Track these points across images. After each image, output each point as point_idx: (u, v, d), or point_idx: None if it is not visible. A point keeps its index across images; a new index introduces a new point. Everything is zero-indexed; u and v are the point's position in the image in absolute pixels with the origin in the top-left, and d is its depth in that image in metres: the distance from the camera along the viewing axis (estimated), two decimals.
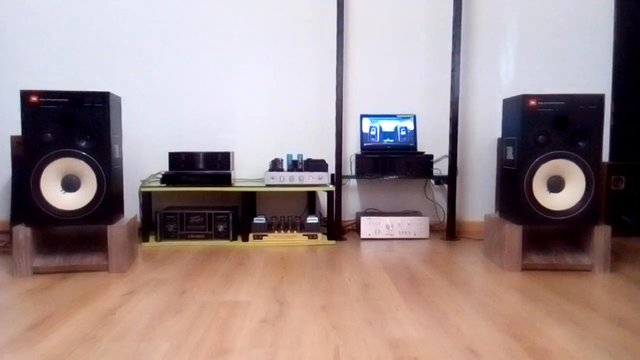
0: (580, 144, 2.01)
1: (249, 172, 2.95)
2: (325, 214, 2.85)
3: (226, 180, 2.58)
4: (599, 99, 2.00)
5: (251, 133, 2.94)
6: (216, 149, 2.91)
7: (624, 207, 2.72)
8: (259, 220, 2.61)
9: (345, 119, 2.93)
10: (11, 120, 2.82)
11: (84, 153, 1.96)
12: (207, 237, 2.60)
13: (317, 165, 2.63)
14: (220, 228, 2.60)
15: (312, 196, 2.90)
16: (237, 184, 2.64)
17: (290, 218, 2.75)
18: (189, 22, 2.88)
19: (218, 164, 2.66)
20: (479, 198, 3.00)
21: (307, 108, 2.94)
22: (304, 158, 2.69)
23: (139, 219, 2.62)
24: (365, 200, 3.00)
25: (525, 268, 2.08)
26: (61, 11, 2.82)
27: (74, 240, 2.12)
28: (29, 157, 1.92)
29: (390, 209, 3.00)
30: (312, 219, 2.62)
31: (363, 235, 2.72)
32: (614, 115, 2.91)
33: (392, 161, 2.70)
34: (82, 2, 2.83)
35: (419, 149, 2.89)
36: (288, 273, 2.02)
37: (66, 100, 1.94)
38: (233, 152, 2.80)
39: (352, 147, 2.96)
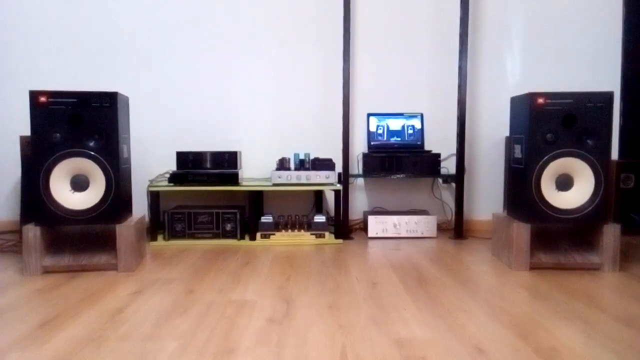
0: (589, 142, 1.99)
1: (256, 171, 2.96)
2: (332, 213, 2.85)
3: (234, 179, 2.59)
4: (608, 96, 1.99)
5: (258, 132, 2.94)
6: (223, 149, 2.92)
7: (633, 205, 2.70)
8: (266, 219, 2.62)
9: (352, 118, 2.93)
10: (20, 120, 2.85)
11: (92, 153, 1.97)
12: (215, 236, 2.60)
13: (324, 164, 2.63)
14: (228, 227, 2.60)
15: (319, 195, 2.90)
16: (244, 183, 2.64)
17: (297, 217, 2.75)
18: (195, 21, 2.89)
19: (225, 163, 2.66)
20: (486, 196, 2.98)
21: (314, 107, 2.94)
22: (311, 157, 2.69)
23: (147, 219, 2.64)
24: (373, 199, 3.00)
25: (534, 267, 2.07)
26: (67, 12, 2.84)
27: (83, 240, 2.13)
28: (38, 157, 1.94)
29: (398, 207, 2.99)
30: (320, 218, 2.62)
31: (370, 234, 2.72)
32: (623, 113, 2.89)
33: (399, 160, 2.70)
34: (88, 2, 2.85)
35: (426, 147, 2.89)
36: (295, 272, 2.03)
37: (74, 100, 1.96)
38: (240, 152, 2.80)
39: (359, 146, 2.96)
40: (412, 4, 2.91)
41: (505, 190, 2.88)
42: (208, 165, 2.66)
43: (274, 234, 2.60)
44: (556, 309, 1.58)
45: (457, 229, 2.75)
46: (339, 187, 2.62)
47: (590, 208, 2.00)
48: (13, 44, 2.84)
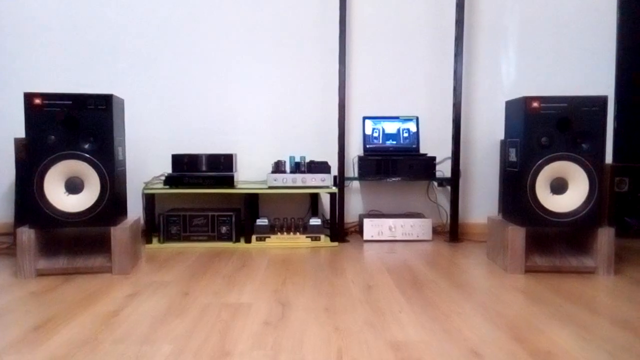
0: (583, 145, 2.00)
1: (251, 174, 2.95)
2: (328, 216, 2.85)
3: (229, 182, 2.58)
4: (602, 100, 2.00)
5: (254, 135, 2.94)
6: (219, 151, 2.91)
7: (628, 209, 2.71)
8: (262, 222, 2.61)
9: (348, 121, 2.93)
10: (15, 122, 2.84)
11: (87, 155, 1.97)
12: (210, 238, 2.60)
13: (319, 167, 2.63)
14: (223, 230, 2.60)
15: (314, 198, 2.90)
16: (240, 186, 2.64)
17: (292, 220, 2.75)
18: (192, 24, 2.88)
19: (221, 166, 2.66)
20: (481, 200, 2.99)
21: (310, 110, 2.94)
22: (307, 160, 2.69)
23: (142, 221, 2.63)
24: (368, 202, 3.00)
25: (529, 270, 2.07)
26: (64, 14, 2.83)
27: (78, 242, 2.12)
28: (32, 159, 1.93)
29: (393, 210, 3.00)
30: (315, 221, 2.62)
31: (366, 237, 2.72)
32: (617, 116, 2.91)
33: (394, 163, 2.70)
34: (84, 4, 2.84)
35: (422, 150, 2.89)
36: (291, 275, 2.02)
37: (69, 102, 1.95)
38: (236, 154, 2.80)
39: (354, 149, 2.96)
40: (409, 7, 2.92)
41: (500, 194, 2.88)
42: (204, 168, 2.65)
43: (269, 237, 2.60)
44: (552, 312, 1.59)
45: (453, 232, 2.76)
46: (334, 190, 2.62)
47: (584, 211, 2.01)
48: (9, 46, 2.83)
